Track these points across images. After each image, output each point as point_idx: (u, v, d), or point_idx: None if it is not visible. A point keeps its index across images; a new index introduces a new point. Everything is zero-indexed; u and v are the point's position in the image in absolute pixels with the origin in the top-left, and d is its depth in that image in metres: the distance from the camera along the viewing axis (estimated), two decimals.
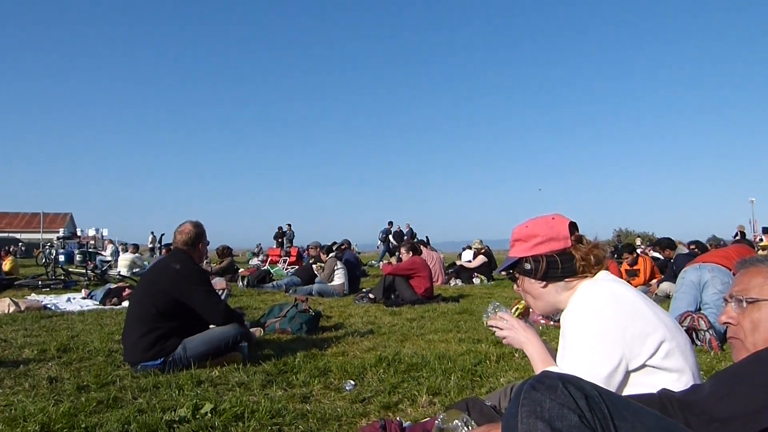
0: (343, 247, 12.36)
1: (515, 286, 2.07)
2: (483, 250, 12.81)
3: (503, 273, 2.06)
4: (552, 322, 5.73)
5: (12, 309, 6.83)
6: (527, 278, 1.96)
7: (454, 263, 13.54)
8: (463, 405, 2.06)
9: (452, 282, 11.85)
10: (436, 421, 1.95)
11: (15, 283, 10.94)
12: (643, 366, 1.66)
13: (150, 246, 29.89)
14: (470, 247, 14.04)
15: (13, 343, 4.81)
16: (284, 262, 18.14)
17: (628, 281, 9.20)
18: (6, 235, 44.34)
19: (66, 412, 2.76)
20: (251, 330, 4.83)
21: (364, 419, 2.80)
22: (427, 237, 23.67)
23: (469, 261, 13.23)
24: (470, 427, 1.84)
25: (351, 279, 9.90)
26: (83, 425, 2.63)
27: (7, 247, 20.41)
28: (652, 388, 1.61)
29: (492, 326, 2.09)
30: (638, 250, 10.92)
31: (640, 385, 1.65)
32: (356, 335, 5.21)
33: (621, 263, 9.86)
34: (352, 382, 3.44)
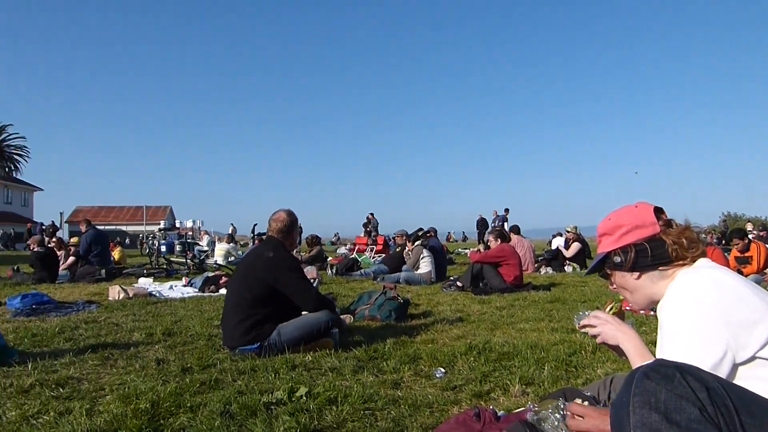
0: (429, 234, 12.29)
1: (610, 285, 1.96)
2: (576, 237, 12.37)
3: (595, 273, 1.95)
4: (652, 312, 5.44)
5: (122, 296, 7.34)
6: (619, 272, 1.85)
7: (551, 250, 13.09)
8: (561, 395, 1.99)
9: (542, 270, 11.54)
10: (530, 412, 1.89)
11: (123, 271, 11.72)
12: (754, 358, 1.52)
13: (221, 237, 30.90)
14: (561, 234, 13.60)
15: (124, 327, 5.17)
16: (371, 250, 18.38)
17: (739, 270, 8.56)
18: (113, 227, 47.92)
19: (173, 392, 2.93)
20: (341, 317, 4.92)
21: (456, 407, 2.78)
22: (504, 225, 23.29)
23: (560, 247, 12.82)
24: (567, 413, 1.77)
25: (437, 267, 9.85)
26: (188, 404, 2.77)
27: (118, 239, 21.99)
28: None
29: (584, 326, 1.98)
30: (750, 236, 10.12)
31: (753, 378, 1.51)
32: (445, 323, 5.18)
33: (730, 250, 9.18)
34: (443, 370, 3.43)
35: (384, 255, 15.17)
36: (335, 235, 40.89)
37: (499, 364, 3.57)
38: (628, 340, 1.82)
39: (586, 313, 2.01)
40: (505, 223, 23.50)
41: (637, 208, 1.85)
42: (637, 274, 1.80)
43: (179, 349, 4.19)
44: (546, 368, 3.40)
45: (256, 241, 18.15)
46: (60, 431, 2.42)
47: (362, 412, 2.67)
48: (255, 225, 27.44)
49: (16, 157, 42.29)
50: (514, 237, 11.41)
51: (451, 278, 9.05)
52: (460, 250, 22.30)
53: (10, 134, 41.46)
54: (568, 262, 11.82)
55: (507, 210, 25.38)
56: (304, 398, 2.83)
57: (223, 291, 8.14)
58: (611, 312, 2.02)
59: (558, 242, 13.84)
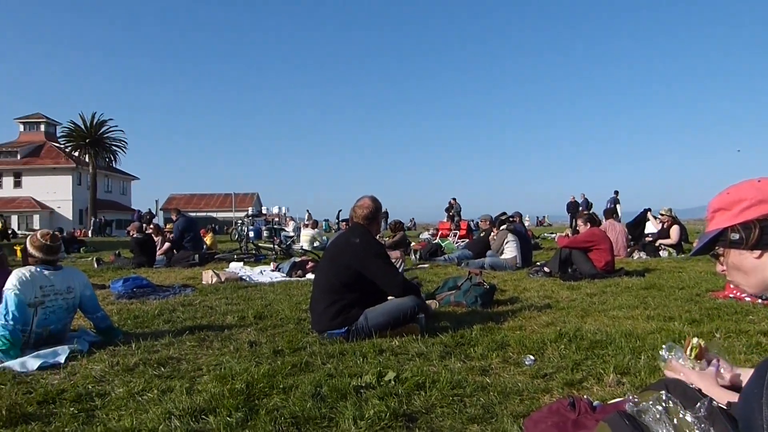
0: (513, 219, 12.02)
1: (718, 266, 1.80)
2: (673, 220, 11.69)
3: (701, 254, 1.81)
4: (760, 300, 5.05)
5: (214, 280, 7.70)
6: (736, 250, 1.69)
7: (642, 232, 12.44)
8: (662, 386, 1.88)
9: (635, 255, 11.00)
10: (629, 403, 1.80)
11: (215, 256, 12.26)
12: None
13: (306, 223, 31.59)
14: (655, 217, 12.86)
15: (218, 310, 5.42)
16: (454, 235, 18.27)
17: None
18: (204, 214, 50.55)
19: (266, 373, 3.04)
20: (427, 302, 4.92)
21: (547, 395, 2.71)
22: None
23: (655, 232, 12.16)
24: (669, 405, 1.67)
25: (523, 252, 9.63)
26: (281, 386, 2.86)
27: (210, 225, 23.11)
28: None
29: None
30: None
31: None
32: (533, 309, 5.06)
33: None
34: (532, 357, 3.35)
35: (467, 240, 15.03)
36: (411, 221, 40.97)
37: (591, 352, 3.45)
38: (710, 389, 1.72)
39: (671, 345, 1.90)
40: (618, 206, 22.57)
41: (761, 183, 1.69)
42: (759, 252, 1.64)
43: (270, 332, 4.33)
44: (642, 358, 3.24)
45: (342, 227, 18.49)
46: (163, 408, 2.56)
47: (451, 398, 2.65)
48: (339, 211, 28.06)
49: (115, 148, 45.76)
50: (607, 221, 10.96)
51: (538, 264, 8.83)
52: (546, 234, 21.73)
53: (110, 127, 44.91)
54: (663, 246, 11.19)
55: (617, 192, 24.30)
56: (393, 383, 2.85)
57: (309, 276, 8.33)
58: (693, 353, 1.89)
59: (651, 225, 13.06)
